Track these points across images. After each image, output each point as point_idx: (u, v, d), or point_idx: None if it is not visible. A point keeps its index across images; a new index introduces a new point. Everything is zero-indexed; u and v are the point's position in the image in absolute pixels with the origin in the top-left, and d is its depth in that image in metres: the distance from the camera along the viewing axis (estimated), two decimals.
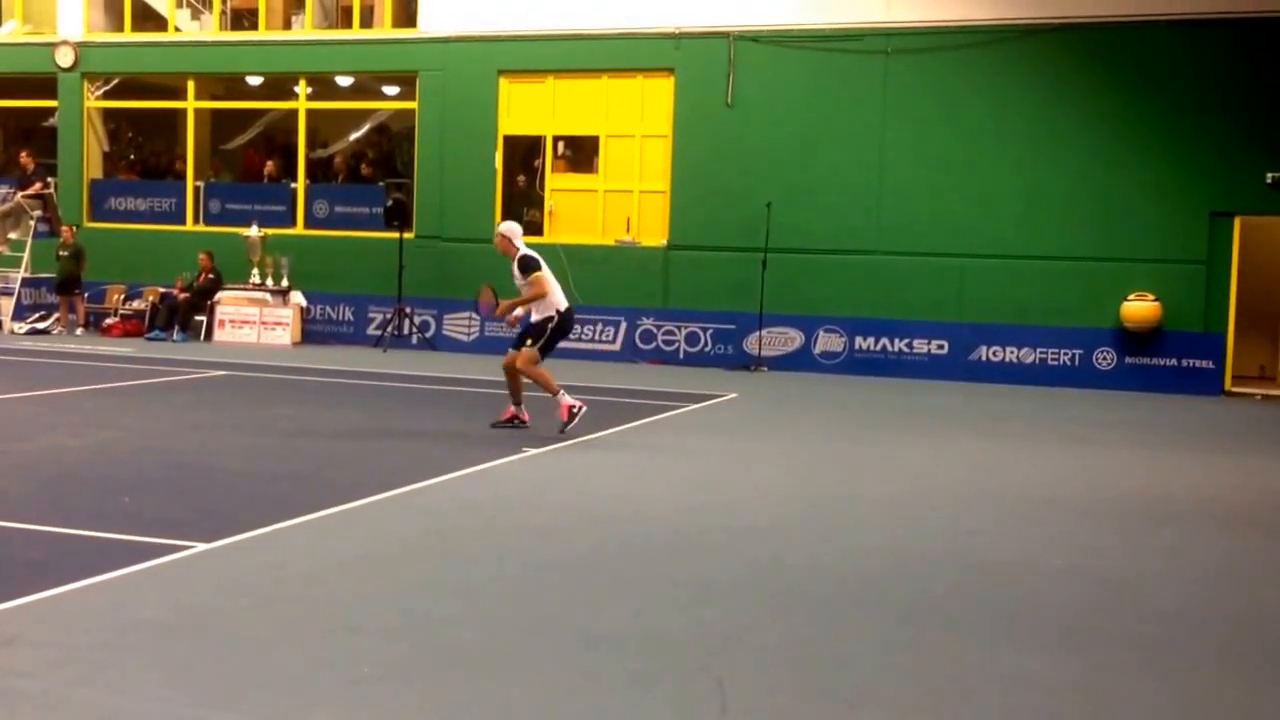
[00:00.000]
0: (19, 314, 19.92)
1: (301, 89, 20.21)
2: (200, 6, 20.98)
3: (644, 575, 6.12)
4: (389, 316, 18.76)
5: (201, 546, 6.18)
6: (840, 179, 17.51)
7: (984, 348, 16.99)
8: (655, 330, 18.13)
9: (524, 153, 19.41)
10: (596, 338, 18.09)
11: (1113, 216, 16.61)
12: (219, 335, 19.27)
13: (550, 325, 10.44)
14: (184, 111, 21.00)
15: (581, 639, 5.01)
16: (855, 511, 7.98)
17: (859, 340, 17.38)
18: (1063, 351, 16.72)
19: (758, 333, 17.60)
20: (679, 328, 18.06)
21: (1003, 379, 16.70)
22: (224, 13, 20.73)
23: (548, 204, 18.75)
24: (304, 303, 19.36)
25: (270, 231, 19.55)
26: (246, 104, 22.00)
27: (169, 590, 5.49)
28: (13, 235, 20.72)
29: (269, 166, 20.93)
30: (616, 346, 18.14)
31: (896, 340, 17.24)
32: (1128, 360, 16.49)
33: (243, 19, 20.85)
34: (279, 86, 20.88)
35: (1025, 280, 16.87)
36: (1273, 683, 4.85)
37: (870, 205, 17.42)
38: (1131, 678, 4.78)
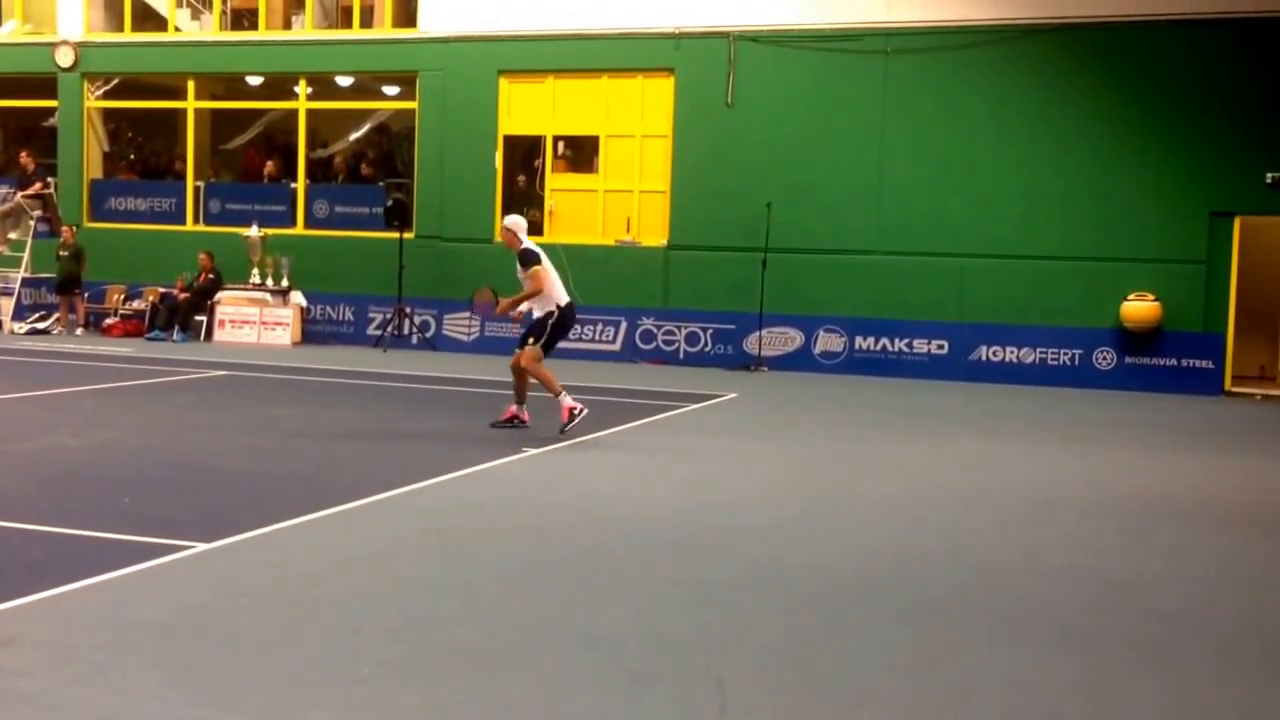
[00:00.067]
0: (19, 314, 19.92)
1: (301, 89, 20.22)
2: (200, 6, 20.98)
3: (644, 575, 6.12)
4: (389, 316, 18.76)
5: (201, 546, 6.18)
6: (840, 179, 17.51)
7: (984, 348, 16.99)
8: (655, 330, 18.13)
9: (524, 153, 19.41)
10: (596, 338, 18.10)
11: (1113, 216, 16.61)
12: (219, 335, 19.27)
13: (550, 321, 10.42)
14: (184, 111, 21.00)
15: (581, 639, 5.01)
16: (855, 511, 7.98)
17: (859, 340, 17.38)
18: (1063, 351, 16.72)
19: (758, 333, 17.60)
20: (679, 328, 18.06)
21: (1003, 379, 16.70)
22: (224, 13, 20.73)
23: (548, 204, 18.75)
24: (304, 303, 19.36)
25: (270, 231, 19.55)
26: (246, 104, 22.01)
27: (169, 590, 5.49)
28: (13, 235, 20.72)
29: (269, 166, 20.93)
30: (616, 346, 18.14)
31: (896, 340, 17.24)
32: (1128, 360, 16.49)
33: (243, 19, 20.85)
34: (279, 86, 20.88)
35: (1025, 280, 16.87)
36: (1273, 683, 4.85)
37: (870, 205, 17.42)
38: (1131, 678, 4.78)
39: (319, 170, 20.96)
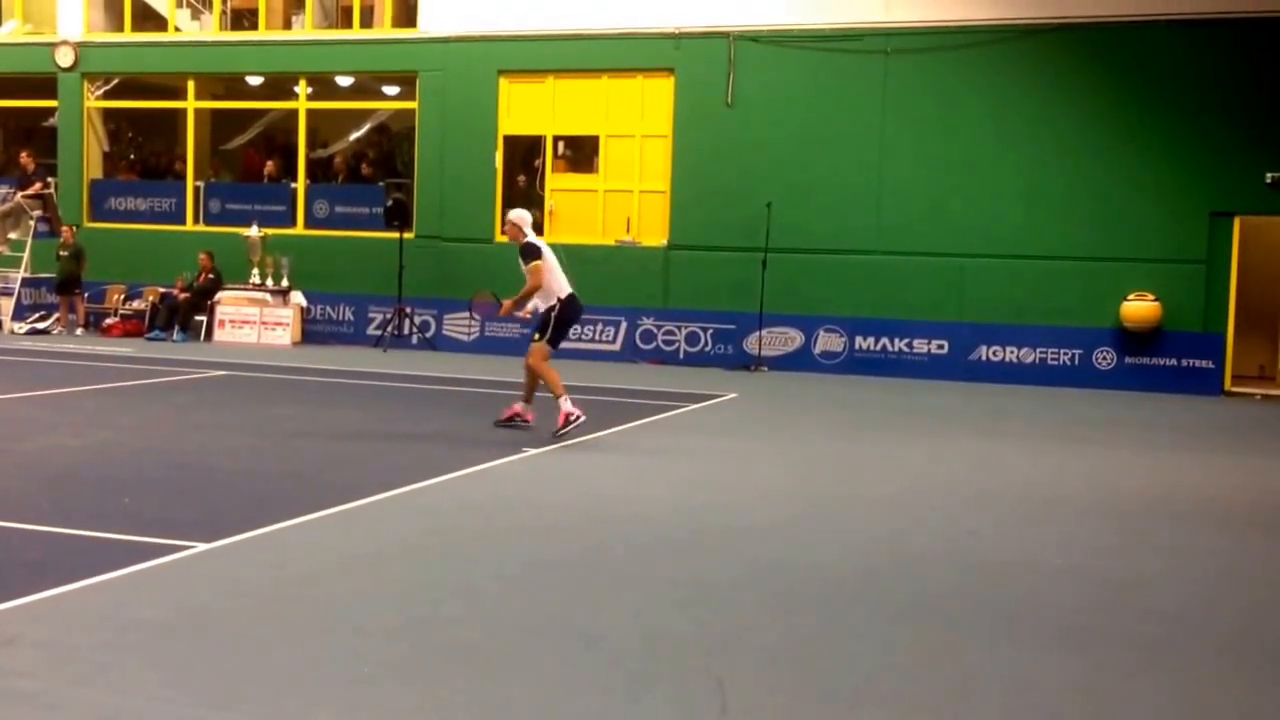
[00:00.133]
0: (19, 314, 19.92)
1: (301, 89, 20.22)
2: (200, 6, 20.98)
3: (644, 575, 6.12)
4: (389, 316, 18.76)
5: (201, 546, 6.18)
6: (840, 179, 17.51)
7: (984, 348, 16.99)
8: (655, 330, 18.13)
9: (524, 153, 19.41)
10: (597, 338, 18.10)
11: (1113, 216, 16.61)
12: (219, 335, 19.27)
13: (553, 314, 10.36)
14: (184, 111, 21.00)
15: (581, 639, 5.01)
16: (855, 511, 7.98)
17: (859, 340, 17.38)
18: (1063, 351, 16.72)
19: (758, 333, 17.60)
20: (679, 328, 18.07)
21: (1003, 379, 16.70)
22: (224, 13, 20.73)
23: (548, 204, 18.75)
24: (304, 303, 19.36)
25: (270, 231, 19.55)
26: (246, 104, 22.01)
27: (169, 590, 5.49)
28: (13, 235, 20.72)
29: (269, 166, 20.93)
30: (617, 346, 18.14)
31: (896, 340, 17.24)
32: (1127, 360, 16.49)
33: (243, 19, 20.86)
34: (279, 86, 20.88)
35: (1025, 280, 16.87)
36: (1273, 683, 4.85)
37: (870, 205, 17.42)
38: (1131, 678, 4.78)
39: (319, 170, 20.97)
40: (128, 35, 20.94)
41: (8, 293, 20.12)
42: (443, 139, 19.14)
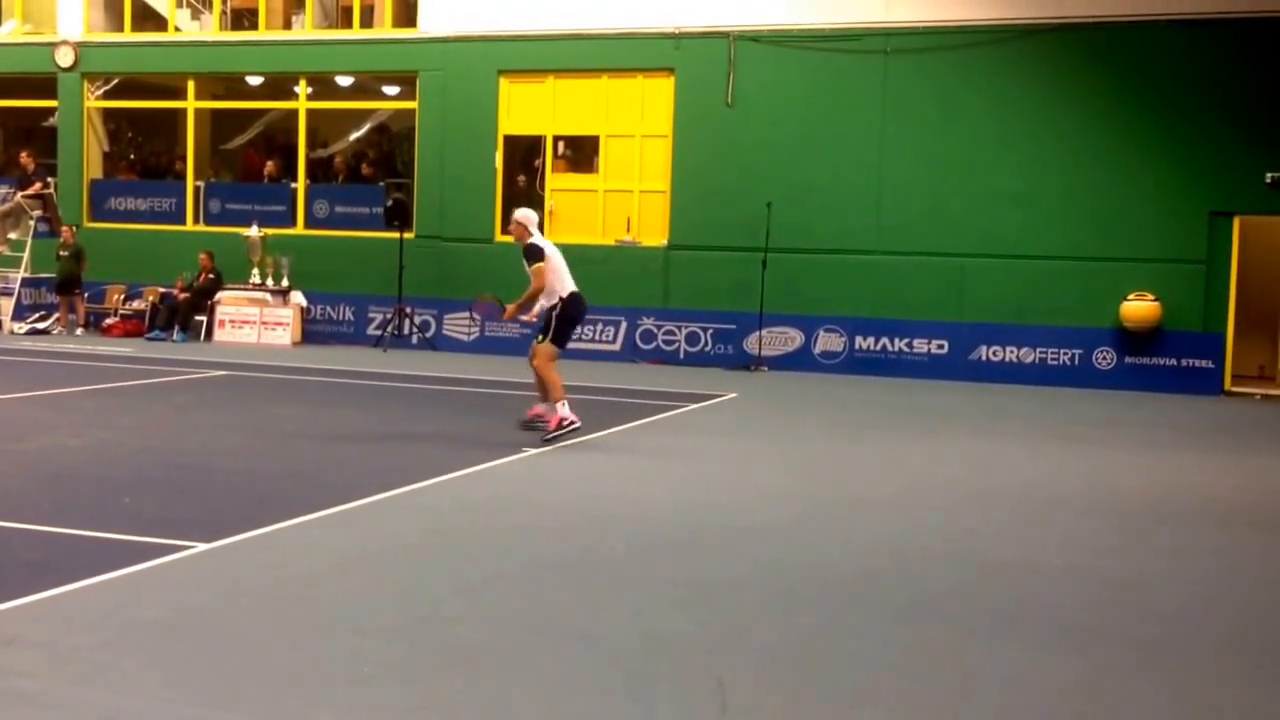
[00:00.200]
0: (19, 314, 19.92)
1: (301, 89, 20.22)
2: (200, 6, 20.98)
3: (644, 575, 6.12)
4: (389, 316, 18.76)
5: (201, 546, 6.18)
6: (840, 179, 17.51)
7: (984, 347, 16.99)
8: (655, 330, 18.13)
9: (524, 153, 19.41)
10: (597, 338, 18.09)
11: (1112, 216, 16.61)
12: (219, 335, 19.27)
13: (554, 314, 10.17)
14: (184, 111, 21.00)
15: (581, 639, 5.01)
16: (855, 511, 7.98)
17: (859, 340, 17.38)
18: (1062, 351, 16.72)
19: (758, 333, 17.60)
20: (679, 328, 18.07)
21: (1003, 379, 16.70)
22: (224, 13, 20.73)
23: (548, 204, 18.74)
24: (304, 303, 19.35)
25: (270, 231, 19.55)
26: (246, 104, 22.01)
27: (169, 590, 5.49)
28: (13, 235, 20.72)
29: (269, 166, 20.92)
30: (617, 346, 18.14)
31: (896, 340, 17.24)
32: (1127, 360, 16.49)
33: (243, 19, 20.85)
34: (279, 86, 20.88)
35: (1025, 280, 16.87)
36: (1273, 682, 4.85)
37: (870, 205, 17.42)
38: (1131, 678, 4.78)
39: (319, 170, 20.97)
40: (128, 35, 20.94)
41: (8, 293, 20.12)
42: (443, 139, 19.14)
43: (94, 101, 21.28)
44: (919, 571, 6.35)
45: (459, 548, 6.59)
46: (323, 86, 20.69)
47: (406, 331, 18.70)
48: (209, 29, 20.73)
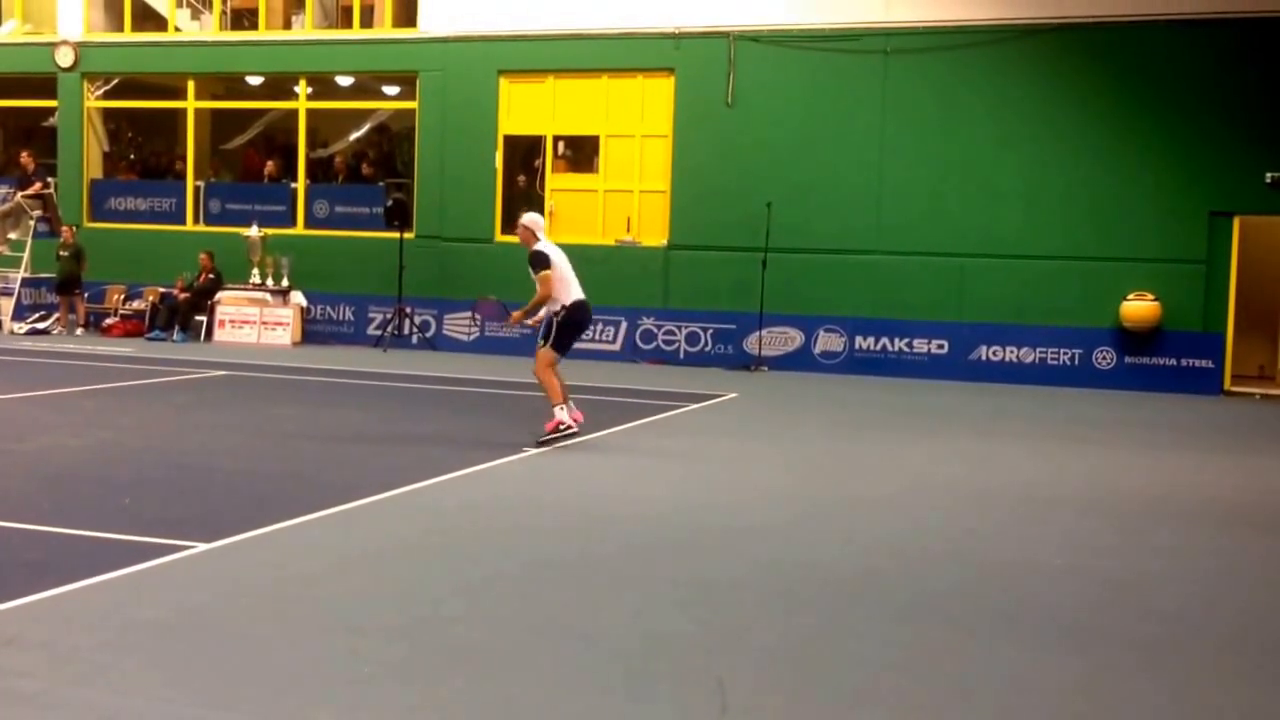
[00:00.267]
0: (19, 314, 19.91)
1: (301, 89, 20.22)
2: (200, 6, 20.98)
3: (644, 575, 6.12)
4: (389, 316, 18.76)
5: (201, 546, 6.18)
6: (840, 179, 17.51)
7: (984, 347, 16.99)
8: (655, 330, 18.13)
9: (524, 153, 19.41)
10: (597, 338, 18.08)
11: (1112, 216, 16.61)
12: (219, 335, 19.27)
13: (557, 320, 10.04)
14: (184, 111, 21.00)
15: (581, 639, 5.01)
16: (855, 511, 7.98)
17: (859, 340, 17.38)
18: (1062, 351, 16.72)
19: (758, 332, 17.60)
20: (679, 328, 18.07)
21: (1003, 379, 16.70)
22: (224, 13, 20.73)
23: (548, 204, 18.74)
24: (304, 303, 19.35)
25: (270, 231, 19.55)
26: (246, 104, 22.01)
27: (169, 590, 5.49)
28: (13, 235, 20.71)
29: (269, 166, 20.92)
30: (617, 346, 18.14)
31: (896, 340, 17.24)
32: (1127, 360, 16.49)
33: (243, 19, 20.86)
34: (279, 86, 20.88)
35: (1025, 280, 16.87)
36: (1273, 682, 4.85)
37: (870, 205, 17.42)
38: (1131, 678, 4.78)
39: (319, 170, 20.97)
40: (128, 35, 20.94)
41: (8, 293, 20.11)
42: (443, 139, 19.14)
43: (94, 101, 21.28)
44: (919, 571, 6.35)
45: (459, 548, 6.59)
46: (323, 86, 20.69)
47: (406, 331, 18.70)
48: (209, 29, 20.73)
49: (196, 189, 20.79)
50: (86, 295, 19.93)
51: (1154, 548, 7.23)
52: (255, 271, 19.34)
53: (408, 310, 18.71)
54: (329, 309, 19.59)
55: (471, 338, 18.81)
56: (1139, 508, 8.32)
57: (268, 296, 19.21)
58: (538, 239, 10.16)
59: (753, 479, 8.97)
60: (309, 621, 5.09)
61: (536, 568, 6.14)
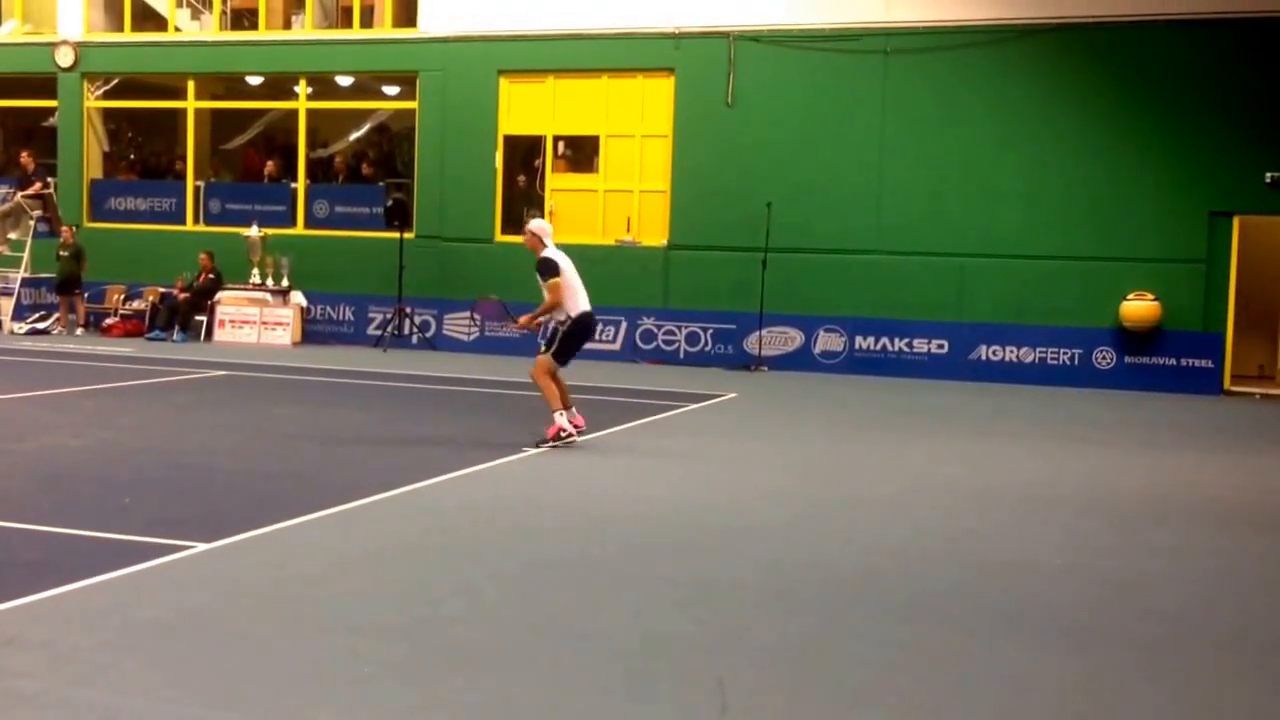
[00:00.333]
0: (19, 314, 19.91)
1: (301, 89, 20.22)
2: (200, 6, 20.98)
3: (644, 575, 6.12)
4: (389, 316, 18.76)
5: (201, 546, 6.18)
6: (840, 179, 17.51)
7: (984, 347, 16.99)
8: (655, 330, 18.13)
9: (524, 153, 19.40)
10: (597, 338, 17.93)
11: (1112, 216, 16.61)
12: (219, 335, 19.27)
13: (562, 331, 9.95)
14: (184, 111, 21.00)
15: (582, 639, 5.01)
16: (855, 511, 7.98)
17: (859, 340, 17.38)
18: (1062, 351, 16.72)
19: (758, 332, 17.60)
20: (679, 327, 18.07)
21: (1003, 378, 16.70)
22: (224, 13, 20.73)
23: (548, 204, 18.74)
24: (304, 303, 19.35)
25: (270, 231, 19.55)
26: (246, 104, 22.01)
27: (169, 590, 5.49)
28: (13, 235, 20.71)
29: (269, 166, 20.92)
30: (617, 346, 18.14)
31: (896, 340, 17.24)
32: (1127, 360, 16.49)
33: (243, 19, 20.85)
34: (279, 86, 20.88)
35: (1025, 280, 16.87)
36: (1273, 682, 4.85)
37: (870, 205, 17.42)
38: (1131, 678, 4.78)
39: (319, 170, 20.97)
40: (128, 35, 20.94)
41: (8, 293, 20.11)
42: (443, 139, 19.14)
43: (94, 101, 21.28)
44: (919, 571, 6.35)
45: (459, 548, 6.59)
46: (323, 86, 20.68)
47: (406, 331, 18.70)
48: (209, 29, 20.73)
49: (196, 189, 20.79)
50: (86, 295, 19.93)
51: (1154, 548, 7.23)
52: (255, 271, 19.34)
53: (408, 310, 18.71)
54: (329, 309, 19.59)
55: (471, 338, 18.81)
56: (1139, 508, 8.32)
57: (268, 296, 19.21)
58: (545, 245, 10.07)
59: (753, 479, 8.97)
60: (309, 621, 5.09)
61: (536, 568, 6.14)
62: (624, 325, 18.14)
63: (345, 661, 4.59)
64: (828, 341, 17.49)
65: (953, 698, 4.48)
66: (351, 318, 19.53)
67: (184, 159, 21.00)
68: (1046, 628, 5.39)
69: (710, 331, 17.93)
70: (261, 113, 22.16)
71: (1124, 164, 16.57)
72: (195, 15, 21.01)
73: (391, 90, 20.63)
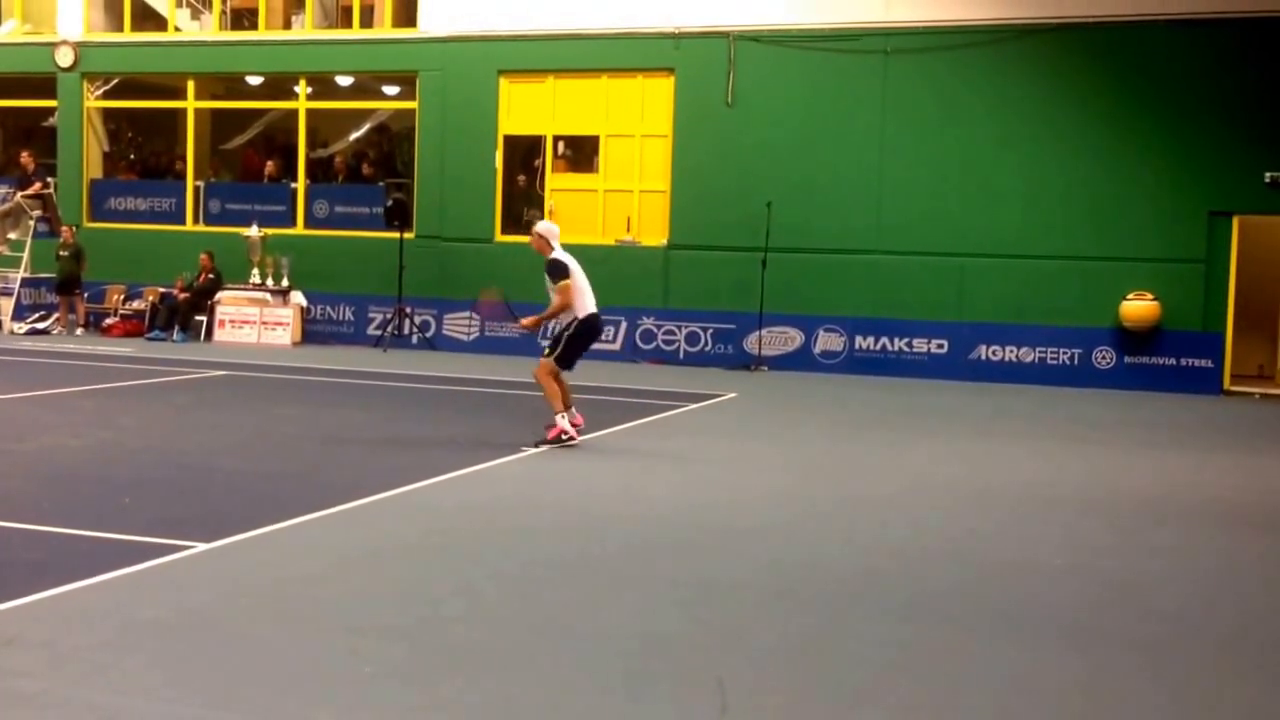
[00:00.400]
0: (19, 314, 19.91)
1: (301, 89, 20.21)
2: (200, 6, 20.98)
3: (644, 575, 6.12)
4: (389, 316, 18.76)
5: (201, 546, 6.18)
6: (840, 179, 17.51)
7: (984, 347, 16.99)
8: (655, 330, 18.13)
9: (524, 153, 19.40)
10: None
11: (1112, 216, 16.61)
12: (219, 335, 19.27)
13: (567, 334, 9.89)
14: (184, 111, 21.00)
15: (581, 639, 5.02)
16: (855, 511, 7.98)
17: (859, 340, 17.38)
18: (1062, 351, 16.73)
19: (758, 332, 17.60)
20: (679, 327, 18.07)
21: (1002, 378, 16.70)
22: (224, 12, 20.72)
23: (548, 204, 18.74)
24: (304, 303, 19.35)
25: (270, 231, 19.55)
26: (246, 104, 22.01)
27: (169, 590, 5.49)
28: (13, 235, 20.71)
29: (269, 166, 20.92)
30: (617, 346, 18.14)
31: (896, 340, 17.24)
32: (1127, 360, 16.49)
33: (243, 19, 20.85)
34: (279, 86, 20.88)
35: (1025, 280, 16.87)
36: (1273, 682, 4.86)
37: (870, 205, 17.42)
38: (1131, 678, 4.78)
39: (319, 170, 20.96)
40: (127, 35, 20.93)
41: (8, 293, 20.11)
42: (443, 139, 19.14)
43: (94, 101, 21.28)
44: (919, 571, 6.35)
45: (459, 548, 6.59)
46: (323, 86, 20.68)
47: (406, 331, 18.70)
48: (209, 29, 20.73)
49: (196, 189, 20.78)
50: (86, 295, 19.93)
51: (1154, 548, 7.23)
52: (255, 271, 19.34)
53: (408, 310, 18.71)
54: (329, 309, 19.59)
55: (471, 338, 18.81)
56: (1139, 508, 8.32)
57: (268, 296, 19.21)
58: (552, 248, 10.02)
59: (753, 479, 8.97)
60: (309, 621, 5.09)
61: (536, 568, 6.14)
62: (624, 325, 18.14)
63: (345, 661, 4.60)
64: (828, 341, 17.49)
65: (953, 698, 4.48)
66: (351, 318, 19.53)
67: (184, 159, 21.00)
68: (1046, 628, 5.39)
69: (710, 331, 17.93)
70: (261, 113, 22.16)
71: (1124, 164, 16.57)
72: (195, 15, 21.01)
73: (391, 90, 20.63)
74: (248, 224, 19.61)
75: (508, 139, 19.13)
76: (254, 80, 20.99)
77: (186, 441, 9.63)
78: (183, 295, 19.27)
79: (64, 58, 20.86)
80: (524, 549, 6.52)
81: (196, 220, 20.74)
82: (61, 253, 19.60)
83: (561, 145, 19.11)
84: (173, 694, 4.21)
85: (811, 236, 17.56)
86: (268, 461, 9.04)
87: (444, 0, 19.03)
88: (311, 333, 19.49)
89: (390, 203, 18.67)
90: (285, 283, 19.24)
